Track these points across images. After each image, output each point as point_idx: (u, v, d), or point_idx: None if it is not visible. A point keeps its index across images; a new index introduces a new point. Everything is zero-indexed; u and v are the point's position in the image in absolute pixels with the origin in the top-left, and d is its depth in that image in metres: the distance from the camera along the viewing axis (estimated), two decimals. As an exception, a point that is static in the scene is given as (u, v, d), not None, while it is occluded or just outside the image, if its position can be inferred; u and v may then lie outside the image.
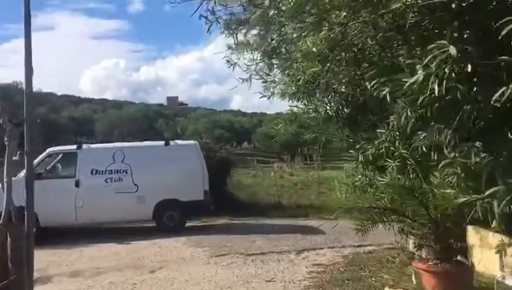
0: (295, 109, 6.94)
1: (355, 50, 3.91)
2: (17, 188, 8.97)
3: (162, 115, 59.99)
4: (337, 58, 3.92)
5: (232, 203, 15.24)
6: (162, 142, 11.69)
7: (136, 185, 10.93)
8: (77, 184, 10.71)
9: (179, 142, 12.22)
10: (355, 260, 7.77)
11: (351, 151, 6.31)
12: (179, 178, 11.16)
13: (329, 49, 3.72)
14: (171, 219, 11.14)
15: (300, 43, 4.06)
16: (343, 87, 5.26)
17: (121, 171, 10.94)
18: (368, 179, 6.72)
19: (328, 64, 3.86)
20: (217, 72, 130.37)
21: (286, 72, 6.59)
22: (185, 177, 11.23)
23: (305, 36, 3.94)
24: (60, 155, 11.24)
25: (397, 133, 5.23)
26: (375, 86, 3.31)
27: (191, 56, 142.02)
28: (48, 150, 11.06)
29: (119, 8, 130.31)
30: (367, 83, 4.72)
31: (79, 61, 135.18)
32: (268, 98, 7.22)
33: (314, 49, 3.71)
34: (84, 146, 11.23)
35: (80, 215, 10.66)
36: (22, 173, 9.76)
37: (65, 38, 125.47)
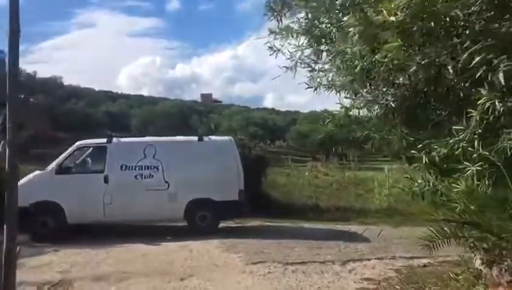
0: (346, 102, 6.11)
1: (446, 20, 3.05)
2: (43, 181, 7.78)
3: (196, 112, 59.91)
4: (422, 30, 3.06)
5: (267, 203, 14.47)
6: (196, 138, 10.98)
7: (167, 182, 10.28)
8: (106, 180, 10.13)
9: (213, 137, 11.48)
10: (411, 276, 6.81)
11: (412, 151, 5.40)
12: (212, 176, 10.44)
13: (412, 18, 2.89)
14: (203, 219, 10.43)
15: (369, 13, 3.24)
16: (413, 74, 4.37)
17: (152, 167, 10.30)
18: (430, 184, 5.76)
19: (415, 37, 2.98)
20: (250, 70, 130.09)
21: (338, 58, 5.74)
22: (219, 175, 10.50)
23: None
24: (89, 149, 10.71)
25: (479, 130, 4.31)
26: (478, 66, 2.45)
27: (225, 54, 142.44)
28: (76, 143, 10.53)
29: (156, 6, 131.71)
30: (448, 67, 3.84)
31: (117, 58, 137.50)
32: (315, 89, 6.38)
33: (392, 18, 2.88)
34: (114, 140, 10.62)
35: (108, 213, 10.08)
36: (50, 167, 9.26)
37: (104, 35, 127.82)
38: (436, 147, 4.84)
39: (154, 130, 36.74)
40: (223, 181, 10.50)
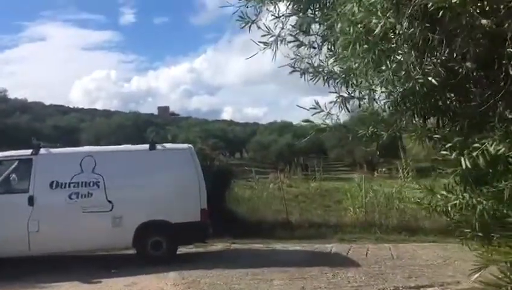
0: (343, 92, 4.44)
1: None
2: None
3: (153, 124, 57.44)
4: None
5: (232, 221, 12.62)
6: (146, 146, 9.00)
7: (110, 202, 8.25)
8: (31, 201, 8.00)
9: (169, 145, 9.49)
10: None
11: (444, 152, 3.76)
12: (168, 193, 8.53)
13: None
14: (157, 246, 8.46)
15: None
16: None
17: (91, 183, 8.26)
18: (461, 196, 4.10)
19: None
20: (207, 83, 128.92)
21: (338, 26, 4.05)
22: (176, 191, 8.60)
23: None
24: (10, 163, 8.55)
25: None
26: None
27: (182, 67, 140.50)
28: (-7, 156, 8.35)
29: (110, 19, 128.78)
30: None
31: (70, 72, 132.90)
32: (302, 74, 4.65)
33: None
34: (43, 151, 8.49)
35: (34, 244, 7.95)
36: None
37: (56, 49, 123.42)
38: (478, 145, 3.17)
39: (106, 144, 34.20)
40: (182, 198, 8.60)
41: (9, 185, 8.45)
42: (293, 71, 4.56)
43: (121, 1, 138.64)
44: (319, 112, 4.16)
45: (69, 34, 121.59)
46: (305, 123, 3.99)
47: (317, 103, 4.12)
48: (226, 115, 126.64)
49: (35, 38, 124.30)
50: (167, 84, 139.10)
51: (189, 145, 9.35)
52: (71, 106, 79.91)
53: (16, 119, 46.53)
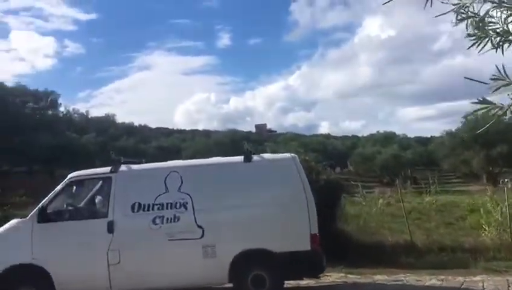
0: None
1: None
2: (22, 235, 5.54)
3: (250, 141, 57.11)
4: None
5: (345, 244, 10.61)
6: (240, 158, 7.38)
7: (200, 227, 6.75)
8: (111, 228, 6.74)
9: (268, 156, 7.77)
10: None
11: None
12: (268, 214, 6.84)
13: None
14: (259, 282, 6.73)
15: None
16: None
17: (177, 205, 6.82)
18: None
19: None
20: (303, 99, 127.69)
21: None
22: (279, 212, 6.88)
23: None
24: (87, 183, 7.44)
25: None
26: None
27: (277, 85, 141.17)
28: (69, 176, 7.25)
29: (207, 44, 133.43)
30: None
31: (173, 97, 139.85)
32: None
33: None
34: (123, 168, 7.27)
35: (115, 278, 6.66)
36: (32, 213, 5.82)
37: (161, 76, 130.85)
38: None
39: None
40: (286, 221, 6.85)
41: (86, 209, 7.31)
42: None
43: (218, 26, 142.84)
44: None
45: (171, 61, 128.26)
46: (479, 105, 2.10)
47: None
48: (323, 129, 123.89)
49: (142, 67, 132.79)
50: (263, 103, 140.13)
51: (293, 154, 7.56)
52: (174, 128, 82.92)
53: (124, 142, 48.54)
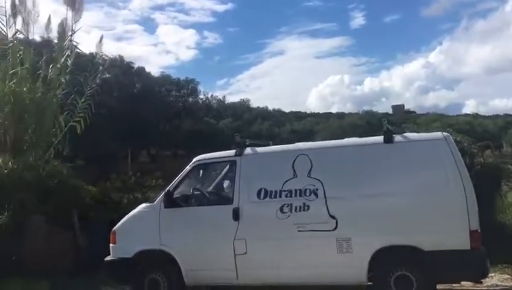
0: None
1: None
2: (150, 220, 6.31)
3: (388, 123, 54.14)
4: None
5: (508, 240, 8.85)
6: (380, 138, 6.29)
7: (333, 217, 5.90)
8: (236, 215, 6.25)
9: (413, 136, 6.53)
10: None
11: None
12: (415, 205, 5.71)
13: None
14: (404, 283, 5.67)
15: None
16: None
17: (307, 191, 6.04)
18: None
19: None
20: (444, 77, 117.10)
21: None
22: (429, 203, 5.69)
23: None
24: (211, 167, 7.06)
25: None
26: None
27: (415, 64, 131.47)
28: (193, 160, 6.93)
29: (340, 25, 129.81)
30: None
31: (306, 81, 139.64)
32: None
33: None
34: (248, 150, 6.68)
35: (242, 270, 6.18)
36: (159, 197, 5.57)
37: (293, 60, 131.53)
38: None
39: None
40: (438, 214, 5.64)
41: (211, 194, 6.93)
42: None
43: (350, 6, 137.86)
44: None
45: (303, 45, 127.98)
46: None
47: None
48: (468, 108, 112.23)
49: (276, 53, 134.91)
50: (400, 83, 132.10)
51: (445, 133, 6.25)
52: (307, 112, 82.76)
53: (258, 126, 49.59)
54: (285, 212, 6.06)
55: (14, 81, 10.60)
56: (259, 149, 6.75)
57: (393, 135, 6.19)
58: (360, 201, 5.88)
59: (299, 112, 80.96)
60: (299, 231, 5.99)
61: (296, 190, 6.10)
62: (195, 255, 6.34)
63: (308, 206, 6.00)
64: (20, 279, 7.32)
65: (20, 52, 11.10)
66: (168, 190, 6.59)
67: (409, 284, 5.64)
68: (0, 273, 7.53)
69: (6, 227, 7.97)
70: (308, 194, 6.04)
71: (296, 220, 6.00)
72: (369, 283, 5.93)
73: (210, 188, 6.98)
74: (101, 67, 33.86)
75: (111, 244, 6.72)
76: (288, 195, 6.11)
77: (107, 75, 34.64)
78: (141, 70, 37.99)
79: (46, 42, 13.27)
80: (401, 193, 5.78)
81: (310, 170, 6.12)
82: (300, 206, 6.03)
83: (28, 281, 7.32)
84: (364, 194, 5.86)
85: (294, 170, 6.19)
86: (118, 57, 36.36)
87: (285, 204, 6.09)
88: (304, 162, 6.18)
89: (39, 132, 10.87)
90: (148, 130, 32.17)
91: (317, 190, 6.02)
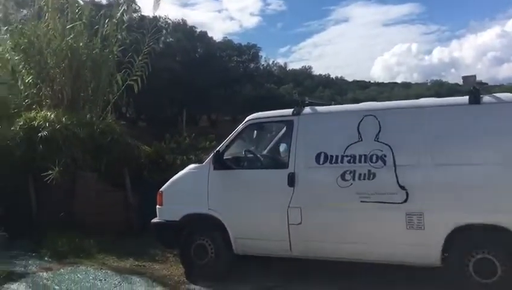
0: None
1: None
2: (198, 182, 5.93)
3: (457, 94, 50.99)
4: None
5: None
6: (464, 98, 5.34)
7: (403, 188, 5.11)
8: (292, 181, 5.60)
9: (505, 96, 5.35)
10: None
11: None
12: (505, 178, 4.80)
13: None
14: (486, 268, 4.84)
15: None
16: None
17: (373, 158, 5.28)
18: None
19: None
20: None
21: None
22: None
23: None
24: (265, 127, 6.41)
25: None
26: None
27: (490, 33, 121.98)
28: (246, 119, 6.27)
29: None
30: None
31: (371, 49, 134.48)
32: None
33: None
34: (307, 110, 5.93)
35: (296, 241, 5.59)
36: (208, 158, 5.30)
37: (359, 28, 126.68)
38: None
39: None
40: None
41: (264, 156, 6.32)
42: None
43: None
44: None
45: (370, 12, 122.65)
46: None
47: None
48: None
49: (340, 20, 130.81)
50: (472, 53, 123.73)
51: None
52: (372, 81, 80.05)
53: (319, 93, 48.43)
54: (347, 180, 5.35)
55: (72, 36, 10.40)
56: (320, 108, 6.01)
57: (481, 95, 5.22)
58: (437, 171, 5.03)
59: (363, 81, 78.62)
60: (362, 201, 5.27)
61: (360, 156, 5.34)
62: (244, 222, 5.81)
63: (374, 174, 5.24)
64: (69, 235, 7.19)
65: (79, 7, 10.90)
66: (218, 151, 6.04)
67: (492, 269, 4.80)
68: (51, 228, 7.46)
69: (58, 183, 7.84)
70: (374, 161, 5.27)
71: (359, 189, 5.28)
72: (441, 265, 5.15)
73: (263, 150, 6.38)
74: (164, 31, 33.95)
75: (158, 206, 6.34)
76: (352, 161, 5.38)
77: (170, 39, 34.80)
78: (203, 35, 37.77)
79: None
80: (487, 162, 4.88)
81: (378, 133, 5.33)
82: (364, 174, 5.28)
83: (76, 238, 7.18)
84: (443, 163, 5.01)
85: (359, 133, 5.42)
86: (180, 21, 36.31)
87: (347, 171, 5.36)
88: (371, 124, 5.39)
89: (95, 89, 10.70)
90: (209, 94, 32.06)
91: (385, 156, 5.24)
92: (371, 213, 5.21)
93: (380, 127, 5.34)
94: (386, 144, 5.25)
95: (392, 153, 5.20)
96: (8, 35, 10.60)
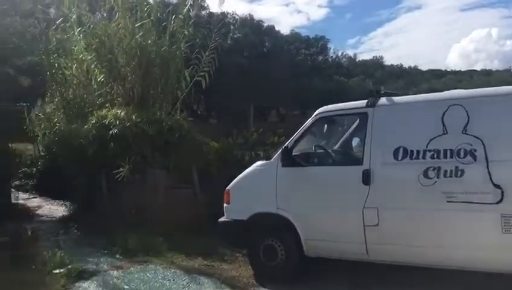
0: None
1: None
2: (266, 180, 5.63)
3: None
4: None
5: None
6: None
7: (498, 187, 4.49)
8: (367, 179, 5.14)
9: None
10: None
11: None
12: None
13: None
14: None
15: None
16: None
17: (461, 153, 4.69)
18: None
19: None
20: None
21: None
22: None
23: None
24: (337, 121, 5.96)
25: None
26: None
27: None
28: (316, 112, 5.85)
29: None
30: None
31: (447, 36, 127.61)
32: None
33: None
34: (383, 101, 5.42)
35: (373, 244, 5.13)
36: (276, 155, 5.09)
37: (433, 15, 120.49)
38: None
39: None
40: None
41: (336, 152, 5.89)
42: None
43: None
44: None
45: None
46: None
47: None
48: None
49: (413, 7, 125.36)
50: None
51: None
52: (448, 70, 76.04)
53: (392, 84, 46.58)
54: (431, 178, 4.80)
55: (141, 34, 10.50)
56: (398, 99, 5.46)
57: None
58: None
59: (438, 69, 75.01)
60: (448, 201, 4.70)
61: (446, 150, 4.77)
62: (315, 223, 5.44)
63: (463, 171, 4.66)
64: (139, 232, 7.19)
65: (148, 6, 11.00)
66: (286, 146, 5.70)
67: None
68: (121, 225, 7.51)
69: (128, 179, 7.90)
70: (462, 156, 4.68)
71: (445, 187, 4.72)
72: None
73: (335, 145, 5.95)
74: (231, 27, 34.10)
75: (225, 204, 6.12)
76: (435, 156, 4.82)
77: (238, 35, 34.92)
78: (271, 29, 37.54)
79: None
80: None
81: (466, 125, 4.73)
82: (451, 171, 4.71)
83: (146, 235, 7.17)
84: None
85: (444, 125, 4.85)
86: (248, 16, 36.32)
87: (430, 167, 4.81)
88: (458, 114, 4.80)
89: (164, 86, 10.75)
90: (278, 89, 31.78)
91: (475, 150, 4.63)
92: (459, 215, 4.64)
93: (468, 118, 4.74)
94: (476, 137, 4.65)
95: (484, 147, 4.59)
96: (82, 36, 10.90)
